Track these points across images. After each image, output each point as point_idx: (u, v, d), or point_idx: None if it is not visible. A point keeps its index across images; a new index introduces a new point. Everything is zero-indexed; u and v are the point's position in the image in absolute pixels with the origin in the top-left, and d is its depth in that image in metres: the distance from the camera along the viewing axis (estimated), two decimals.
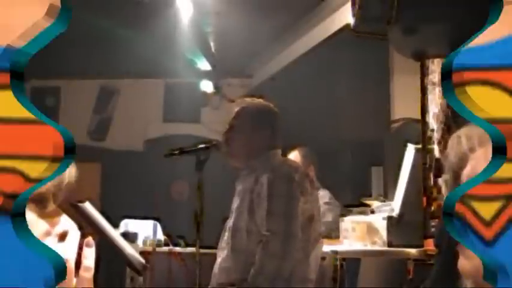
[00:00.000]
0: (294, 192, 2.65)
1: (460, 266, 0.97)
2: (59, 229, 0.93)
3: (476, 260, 0.93)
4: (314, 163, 4.54)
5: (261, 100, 2.95)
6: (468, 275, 0.96)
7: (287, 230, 2.60)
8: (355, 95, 6.39)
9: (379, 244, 3.43)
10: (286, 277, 2.60)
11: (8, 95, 0.70)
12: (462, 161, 0.99)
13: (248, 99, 2.96)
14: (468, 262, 0.95)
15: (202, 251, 2.97)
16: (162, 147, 3.58)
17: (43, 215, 0.91)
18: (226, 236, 2.78)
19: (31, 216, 0.89)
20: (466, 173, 0.99)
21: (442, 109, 3.33)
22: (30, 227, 0.88)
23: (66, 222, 0.94)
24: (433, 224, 3.19)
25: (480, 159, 0.98)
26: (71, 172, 0.94)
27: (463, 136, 1.00)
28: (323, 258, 3.43)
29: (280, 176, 2.65)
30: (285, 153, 4.20)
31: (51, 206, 0.92)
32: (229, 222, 2.77)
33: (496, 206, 0.65)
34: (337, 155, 6.28)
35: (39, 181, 0.69)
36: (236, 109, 2.86)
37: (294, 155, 4.49)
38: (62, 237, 0.93)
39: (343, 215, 3.85)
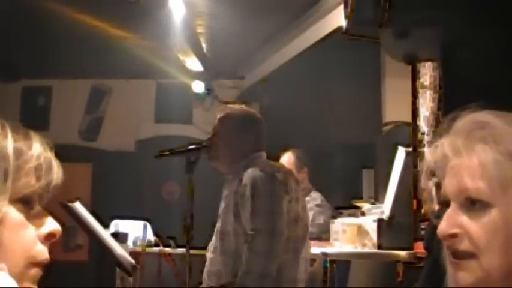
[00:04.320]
0: (277, 190, 2.67)
1: (458, 278, 0.96)
2: (44, 230, 0.93)
3: (478, 272, 0.92)
4: (307, 165, 4.55)
5: (243, 106, 3.10)
6: None
7: (271, 228, 2.61)
8: (347, 98, 6.40)
9: (369, 246, 3.43)
10: (274, 276, 2.60)
11: None
12: (442, 170, 0.99)
13: (231, 106, 3.12)
14: (469, 275, 0.94)
15: (192, 251, 2.97)
16: (154, 147, 3.57)
17: (29, 216, 0.91)
18: (213, 239, 2.79)
19: (20, 217, 0.89)
20: (445, 184, 0.98)
21: (432, 112, 3.35)
22: (20, 228, 0.89)
23: (51, 224, 0.94)
24: (423, 226, 3.20)
25: (454, 170, 0.97)
26: (58, 173, 0.93)
27: (439, 145, 0.99)
28: (313, 260, 3.43)
29: (262, 175, 2.67)
30: (278, 155, 4.22)
31: (37, 208, 0.92)
32: (218, 226, 2.80)
33: None
34: (329, 157, 6.28)
35: None
36: (219, 116, 2.92)
37: (287, 157, 4.50)
38: (48, 238, 0.93)
39: (334, 217, 3.85)
